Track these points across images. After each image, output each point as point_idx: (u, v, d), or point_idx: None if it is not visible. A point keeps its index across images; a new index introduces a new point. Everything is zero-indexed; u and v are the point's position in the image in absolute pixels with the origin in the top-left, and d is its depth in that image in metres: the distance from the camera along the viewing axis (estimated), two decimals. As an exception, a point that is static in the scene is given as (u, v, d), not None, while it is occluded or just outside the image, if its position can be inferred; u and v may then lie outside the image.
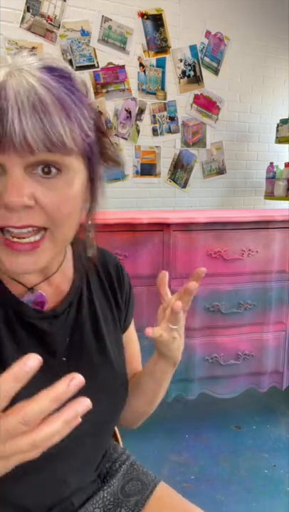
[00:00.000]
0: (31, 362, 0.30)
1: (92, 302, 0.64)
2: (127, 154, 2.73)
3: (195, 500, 0.72)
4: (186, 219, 1.55)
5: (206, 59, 2.86)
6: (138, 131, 2.73)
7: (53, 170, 0.44)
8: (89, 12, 2.43)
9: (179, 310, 0.58)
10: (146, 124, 2.75)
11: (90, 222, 0.57)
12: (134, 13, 2.57)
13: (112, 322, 0.67)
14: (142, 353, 0.80)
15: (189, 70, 2.81)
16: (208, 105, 2.92)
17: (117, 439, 0.88)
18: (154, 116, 2.76)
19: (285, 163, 2.88)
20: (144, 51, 2.64)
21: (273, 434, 1.87)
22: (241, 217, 1.61)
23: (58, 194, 0.45)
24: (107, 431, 0.68)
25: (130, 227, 1.52)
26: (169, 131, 2.83)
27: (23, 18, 2.26)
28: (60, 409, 0.31)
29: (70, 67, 0.47)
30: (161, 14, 2.64)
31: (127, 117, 2.67)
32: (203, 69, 2.86)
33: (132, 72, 2.63)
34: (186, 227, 1.57)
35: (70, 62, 2.43)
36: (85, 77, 2.47)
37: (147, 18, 2.61)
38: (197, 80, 2.86)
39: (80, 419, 0.32)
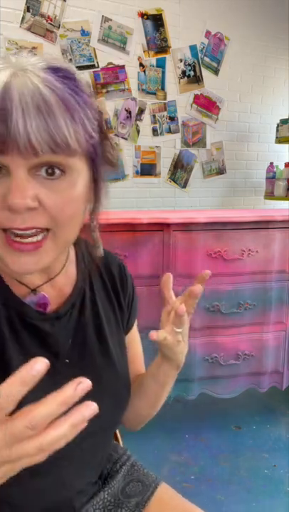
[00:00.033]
0: (38, 366, 0.30)
1: (95, 303, 0.64)
2: (127, 154, 2.73)
3: (195, 500, 0.72)
4: (186, 219, 1.55)
5: (206, 59, 2.86)
6: (138, 131, 2.73)
7: (57, 171, 0.44)
8: (89, 12, 2.43)
9: (183, 313, 0.58)
10: (146, 124, 2.75)
11: (94, 223, 0.57)
12: (134, 13, 2.56)
13: (115, 323, 0.67)
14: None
15: (189, 70, 2.81)
16: (208, 105, 2.92)
17: (117, 439, 0.88)
18: (154, 116, 2.76)
19: (285, 163, 2.88)
20: (144, 51, 2.64)
21: (273, 434, 1.87)
22: (241, 217, 1.61)
23: (61, 196, 0.45)
24: (110, 433, 0.68)
25: (130, 227, 1.52)
26: (169, 131, 2.83)
27: (23, 18, 2.26)
28: (67, 413, 0.31)
29: (74, 67, 0.47)
30: (161, 14, 2.64)
31: (127, 117, 2.67)
32: (203, 69, 2.86)
33: (132, 72, 2.63)
34: (186, 227, 1.57)
35: (70, 62, 2.43)
36: (85, 77, 2.47)
37: (147, 18, 2.61)
38: (197, 79, 2.86)
39: (86, 423, 0.32)
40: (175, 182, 2.94)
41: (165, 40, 2.69)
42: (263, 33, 3.01)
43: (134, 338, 0.75)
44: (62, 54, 2.41)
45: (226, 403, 1.90)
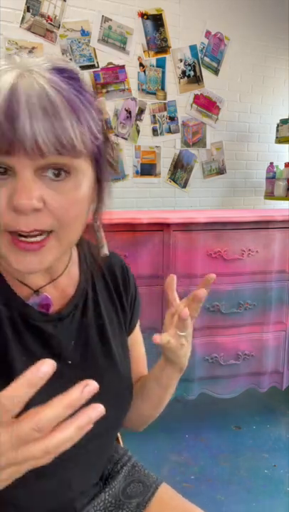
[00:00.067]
0: (45, 368, 0.29)
1: (98, 304, 0.64)
2: (127, 154, 2.73)
3: (195, 500, 0.73)
4: (186, 219, 1.56)
5: (206, 59, 2.86)
6: (138, 131, 2.73)
7: (63, 173, 0.45)
8: (89, 12, 2.43)
9: (187, 317, 0.58)
10: (146, 124, 2.75)
11: (97, 223, 0.57)
12: (134, 13, 2.56)
13: (118, 324, 0.67)
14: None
15: (189, 70, 2.81)
16: (208, 105, 2.92)
17: (117, 440, 0.88)
18: (154, 116, 2.76)
19: (285, 163, 2.88)
20: (144, 51, 2.64)
21: (273, 434, 1.87)
22: (241, 217, 1.61)
23: (66, 197, 0.45)
24: (112, 434, 0.68)
25: (130, 227, 1.52)
26: (169, 131, 2.83)
27: (23, 18, 2.25)
28: (73, 415, 0.31)
29: (77, 67, 0.47)
30: (161, 14, 2.64)
31: (127, 117, 2.67)
32: (203, 69, 2.86)
33: (132, 72, 2.62)
34: (186, 227, 1.57)
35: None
36: (85, 77, 2.47)
37: (147, 18, 2.61)
38: (197, 79, 2.86)
39: (91, 425, 0.32)
40: (175, 182, 2.94)
41: (165, 40, 2.69)
42: (263, 33, 3.01)
43: (136, 340, 0.75)
44: (63, 54, 2.41)
45: (226, 403, 1.90)
